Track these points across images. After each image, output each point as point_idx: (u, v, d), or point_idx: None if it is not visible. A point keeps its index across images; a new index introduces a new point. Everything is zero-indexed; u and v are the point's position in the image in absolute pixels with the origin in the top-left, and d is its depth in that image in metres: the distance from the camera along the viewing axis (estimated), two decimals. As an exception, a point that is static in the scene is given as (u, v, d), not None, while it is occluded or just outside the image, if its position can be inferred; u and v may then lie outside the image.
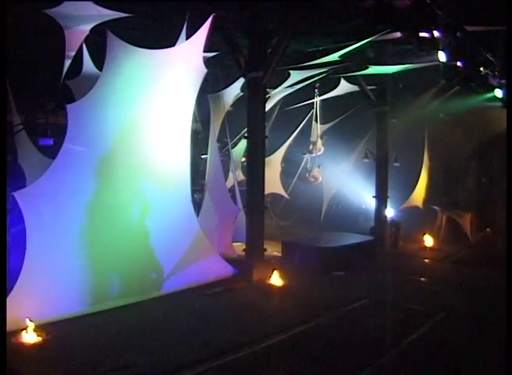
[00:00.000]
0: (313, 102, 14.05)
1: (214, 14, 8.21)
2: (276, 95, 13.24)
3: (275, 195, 16.80)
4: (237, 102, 12.73)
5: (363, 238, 12.29)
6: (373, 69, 11.34)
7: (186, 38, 8.26)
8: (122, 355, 5.73)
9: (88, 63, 9.62)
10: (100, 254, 7.53)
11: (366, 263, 10.87)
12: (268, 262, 9.85)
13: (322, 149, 13.89)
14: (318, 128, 14.19)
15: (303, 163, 15.94)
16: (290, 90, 12.75)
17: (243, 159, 14.25)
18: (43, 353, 5.78)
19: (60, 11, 7.66)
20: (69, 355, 5.71)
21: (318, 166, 13.66)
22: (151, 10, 8.81)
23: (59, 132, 7.74)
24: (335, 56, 10.15)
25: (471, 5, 8.75)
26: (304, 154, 14.47)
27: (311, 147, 13.98)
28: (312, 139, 14.21)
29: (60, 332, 6.33)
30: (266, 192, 10.52)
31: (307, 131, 15.36)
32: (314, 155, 13.84)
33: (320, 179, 13.84)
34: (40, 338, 6.07)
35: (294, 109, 15.05)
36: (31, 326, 6.14)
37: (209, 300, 8.09)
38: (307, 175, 13.92)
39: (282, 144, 16.32)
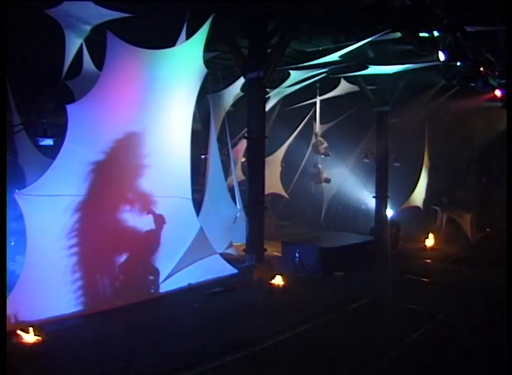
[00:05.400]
0: (313, 102, 14.07)
1: (214, 14, 8.21)
2: (276, 95, 13.25)
3: (275, 195, 16.80)
4: (237, 102, 12.74)
5: (363, 238, 12.28)
6: (373, 69, 11.35)
7: (186, 38, 8.27)
8: (122, 355, 5.73)
9: (88, 63, 9.61)
10: (100, 253, 7.53)
11: (366, 263, 10.86)
12: (268, 262, 9.85)
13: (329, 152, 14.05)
14: (318, 127, 14.23)
15: (303, 163, 15.98)
16: (290, 90, 12.76)
17: (243, 159, 14.27)
18: (43, 353, 5.77)
19: (60, 11, 7.67)
20: (69, 356, 5.71)
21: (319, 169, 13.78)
22: (151, 10, 8.81)
23: (59, 132, 7.74)
24: (335, 56, 10.16)
25: (471, 5, 8.75)
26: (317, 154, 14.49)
27: (313, 141, 14.05)
28: (314, 139, 14.28)
29: (60, 332, 6.32)
30: (266, 192, 10.53)
31: (307, 131, 15.39)
32: (322, 156, 13.89)
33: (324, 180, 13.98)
34: (40, 338, 6.06)
35: (294, 109, 15.07)
36: (31, 326, 6.13)
37: (209, 300, 8.08)
38: (316, 175, 13.99)
39: (282, 144, 16.33)
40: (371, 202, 14.84)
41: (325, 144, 14.24)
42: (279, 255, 11.24)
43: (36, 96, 11.61)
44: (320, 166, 14.13)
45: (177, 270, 8.48)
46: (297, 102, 14.75)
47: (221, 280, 9.11)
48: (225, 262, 9.51)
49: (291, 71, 11.16)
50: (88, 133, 7.30)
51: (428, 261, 12.28)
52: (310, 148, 15.50)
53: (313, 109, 14.62)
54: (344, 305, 7.99)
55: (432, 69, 10.76)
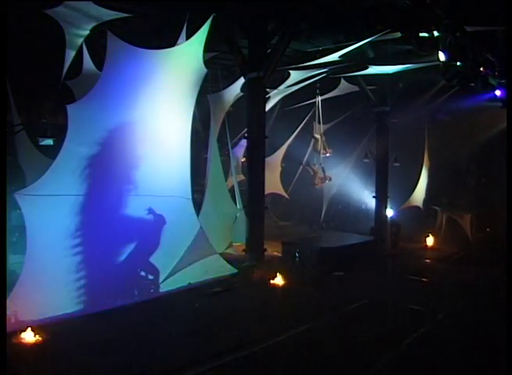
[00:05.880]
0: (313, 102, 14.06)
1: (214, 14, 8.21)
2: (276, 95, 13.24)
3: (275, 195, 16.80)
4: (237, 102, 12.74)
5: (363, 238, 12.29)
6: (373, 69, 11.35)
7: (186, 38, 8.27)
8: (122, 355, 5.73)
9: (88, 63, 9.62)
10: (100, 254, 7.53)
11: (366, 263, 10.86)
12: (268, 262, 9.85)
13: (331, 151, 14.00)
14: (319, 127, 14.22)
15: (303, 163, 15.94)
16: (290, 90, 12.75)
17: (243, 159, 14.27)
18: (43, 353, 5.77)
19: (60, 11, 7.66)
20: (69, 355, 5.71)
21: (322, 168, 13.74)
22: (151, 10, 8.81)
23: (59, 132, 7.75)
24: (335, 56, 10.16)
25: (471, 5, 8.75)
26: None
27: (312, 142, 14.03)
28: (316, 136, 14.24)
29: (60, 332, 6.32)
30: (266, 192, 10.52)
31: (307, 131, 15.37)
32: (323, 155, 13.86)
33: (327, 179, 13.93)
34: (40, 338, 6.06)
35: (294, 109, 15.07)
36: (31, 326, 6.14)
37: (209, 300, 8.08)
38: (318, 176, 13.94)
39: (282, 144, 16.32)
40: (371, 202, 14.83)
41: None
42: (279, 255, 11.24)
43: (36, 96, 11.60)
44: (322, 165, 14.08)
45: (177, 270, 8.49)
46: (297, 102, 14.74)
47: (221, 280, 9.11)
48: (225, 262, 9.51)
49: (291, 71, 11.15)
50: (88, 133, 7.30)
51: (428, 261, 12.28)
52: (310, 148, 15.45)
53: (313, 109, 14.61)
54: (344, 305, 7.98)
55: (432, 69, 10.76)
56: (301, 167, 16.04)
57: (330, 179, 14.46)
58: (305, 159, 15.99)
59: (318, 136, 14.00)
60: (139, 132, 7.99)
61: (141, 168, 8.06)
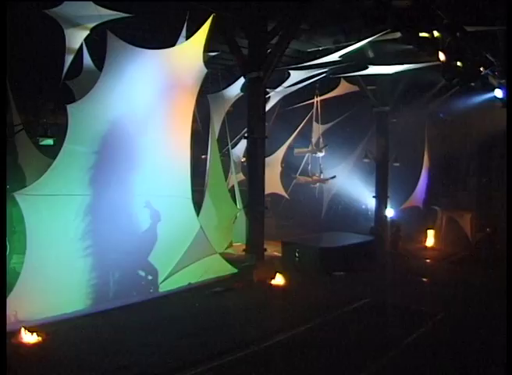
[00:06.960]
0: (313, 102, 14.06)
1: (214, 14, 8.21)
2: (276, 95, 13.25)
3: (275, 195, 16.79)
4: (237, 102, 12.74)
5: (363, 238, 12.28)
6: (373, 69, 11.35)
7: (186, 38, 8.27)
8: (122, 355, 5.73)
9: (88, 63, 9.63)
10: (100, 254, 7.53)
11: (366, 263, 10.86)
12: (268, 262, 9.85)
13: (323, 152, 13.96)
14: (319, 128, 14.21)
15: (303, 163, 15.94)
16: (290, 90, 12.76)
17: (243, 159, 14.26)
18: (43, 353, 5.78)
19: (60, 11, 7.67)
20: (69, 355, 5.71)
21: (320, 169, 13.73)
22: (151, 10, 8.81)
23: (59, 132, 7.75)
24: (335, 56, 10.16)
25: (471, 5, 8.75)
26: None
27: (310, 147, 14.01)
28: (313, 139, 14.24)
29: (60, 332, 6.33)
30: (266, 192, 10.52)
31: (307, 131, 15.37)
32: (318, 155, 13.84)
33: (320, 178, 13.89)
34: (40, 338, 6.07)
35: (294, 109, 15.07)
36: (31, 326, 6.14)
37: (209, 300, 8.09)
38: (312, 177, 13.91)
39: (282, 144, 16.32)
40: (371, 202, 14.83)
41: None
42: (279, 255, 11.24)
43: (36, 96, 11.61)
44: (321, 166, 14.05)
45: (177, 270, 8.49)
46: (297, 102, 14.75)
47: (221, 280, 9.11)
48: (225, 262, 9.51)
49: (291, 71, 11.16)
50: (88, 133, 7.31)
51: (428, 261, 12.28)
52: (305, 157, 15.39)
53: (313, 109, 14.61)
54: (344, 305, 7.98)
55: (432, 69, 10.76)
56: (301, 168, 16.04)
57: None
58: (305, 159, 15.95)
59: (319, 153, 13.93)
60: (139, 132, 7.99)
61: (141, 168, 8.06)
